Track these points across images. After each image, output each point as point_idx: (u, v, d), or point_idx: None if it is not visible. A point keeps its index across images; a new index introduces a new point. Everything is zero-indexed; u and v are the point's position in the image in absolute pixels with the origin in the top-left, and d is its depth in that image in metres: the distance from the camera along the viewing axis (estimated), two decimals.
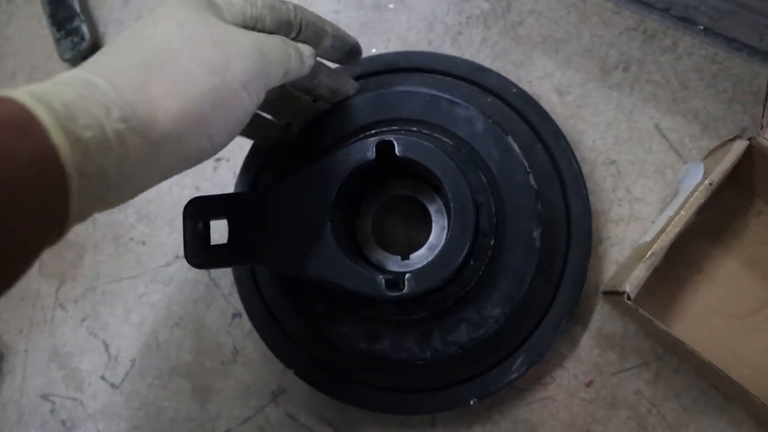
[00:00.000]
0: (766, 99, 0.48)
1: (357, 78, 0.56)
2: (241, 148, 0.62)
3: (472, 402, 0.54)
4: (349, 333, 0.52)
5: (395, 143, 0.45)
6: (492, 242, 0.52)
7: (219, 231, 0.48)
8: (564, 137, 0.55)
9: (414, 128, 0.51)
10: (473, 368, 0.55)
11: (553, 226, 0.54)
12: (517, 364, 0.54)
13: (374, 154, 0.45)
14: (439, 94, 0.52)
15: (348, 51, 0.49)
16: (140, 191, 0.37)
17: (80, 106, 0.32)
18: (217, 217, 0.47)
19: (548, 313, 0.55)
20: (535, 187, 0.52)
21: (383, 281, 0.46)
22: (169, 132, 0.35)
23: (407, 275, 0.46)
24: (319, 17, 0.46)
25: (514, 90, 0.56)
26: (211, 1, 0.40)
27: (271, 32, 0.42)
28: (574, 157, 0.55)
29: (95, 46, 0.65)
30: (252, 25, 0.42)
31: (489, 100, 0.55)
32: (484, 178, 0.51)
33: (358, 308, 0.52)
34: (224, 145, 0.40)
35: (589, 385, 0.56)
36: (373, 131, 0.51)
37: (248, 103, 0.39)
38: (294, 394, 0.58)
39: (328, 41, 0.47)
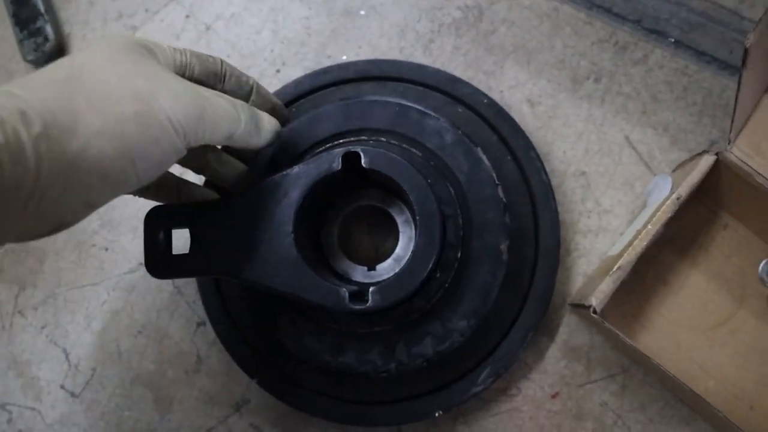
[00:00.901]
0: (733, 114, 0.49)
1: (328, 86, 0.55)
2: None
3: (437, 414, 0.54)
4: (313, 345, 0.51)
5: (362, 154, 0.45)
6: (459, 255, 0.51)
7: (184, 239, 0.47)
8: (534, 149, 0.55)
9: (383, 138, 0.51)
10: (438, 380, 0.55)
11: (521, 238, 0.54)
12: (483, 376, 0.54)
13: (340, 165, 0.45)
14: (409, 104, 0.51)
15: (270, 109, 0.48)
16: (60, 221, 0.36)
17: None
18: (179, 226, 0.46)
19: (515, 325, 0.55)
20: (504, 199, 0.51)
21: (347, 294, 0.45)
22: (90, 146, 0.35)
23: (371, 288, 0.45)
24: (244, 74, 0.47)
25: (485, 101, 0.55)
26: (145, 46, 0.41)
27: (199, 82, 0.43)
28: (544, 170, 0.55)
29: (60, 48, 0.64)
30: (182, 73, 0.42)
31: (460, 110, 0.54)
32: (452, 190, 0.51)
33: (322, 320, 0.51)
34: (151, 176, 0.39)
35: (555, 396, 0.56)
36: (341, 141, 0.51)
37: (177, 140, 0.38)
38: (258, 404, 0.57)
39: (252, 96, 0.47)
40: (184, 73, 0.43)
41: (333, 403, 0.54)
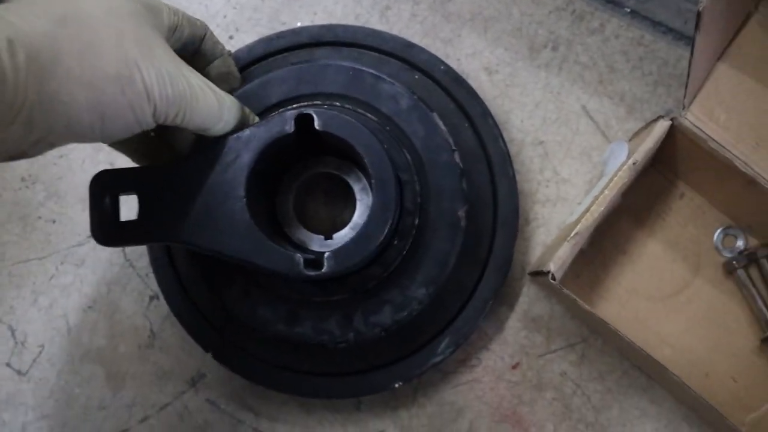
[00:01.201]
0: (687, 80, 0.49)
1: (281, 51, 0.54)
2: None
3: (396, 385, 0.53)
4: (268, 315, 0.50)
5: (315, 117, 0.44)
6: (416, 222, 0.50)
7: (135, 206, 0.46)
8: (491, 116, 0.55)
9: (337, 103, 0.50)
10: (397, 351, 0.54)
11: (479, 206, 0.53)
12: (443, 347, 0.54)
13: (293, 128, 0.43)
14: (364, 68, 0.50)
15: (225, 74, 0.49)
16: (19, 150, 0.37)
17: None
18: (127, 191, 0.44)
19: (474, 294, 0.54)
20: (461, 165, 0.51)
21: (302, 260, 0.44)
22: (64, 90, 0.35)
23: (326, 254, 0.44)
24: (220, 42, 0.49)
25: (442, 67, 0.54)
26: (147, 4, 0.41)
27: (185, 44, 0.45)
28: (502, 137, 0.55)
29: None
30: (172, 35, 0.44)
31: (416, 77, 0.53)
32: (408, 156, 0.50)
33: (277, 289, 0.50)
34: (113, 137, 0.39)
35: (515, 367, 0.56)
36: (294, 105, 0.49)
37: (148, 114, 0.39)
38: (214, 379, 0.56)
39: (218, 63, 0.49)
40: (174, 34, 0.44)
41: (290, 376, 0.53)
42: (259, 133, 0.44)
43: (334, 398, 0.55)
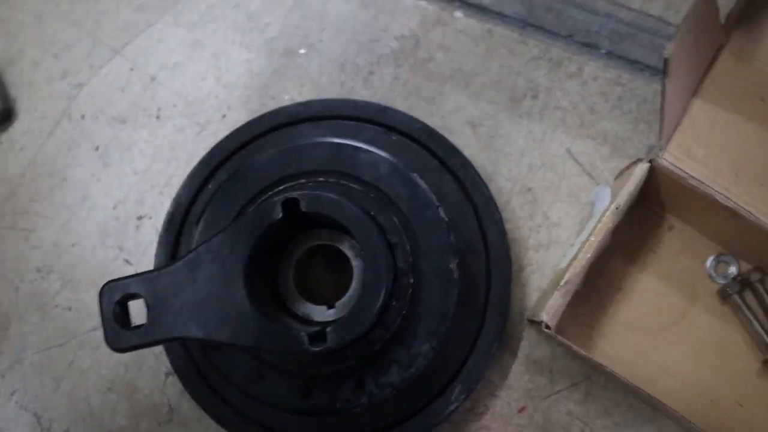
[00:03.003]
0: (661, 122, 0.50)
1: (264, 134, 0.57)
2: (162, 204, 0.62)
3: None
4: (282, 392, 0.52)
5: (299, 200, 0.46)
6: (411, 280, 0.52)
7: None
8: (472, 166, 0.56)
9: (321, 179, 0.52)
10: (412, 406, 0.55)
11: (470, 254, 0.55)
12: (455, 394, 0.55)
13: (281, 214, 0.46)
14: (342, 141, 0.53)
15: None
16: None
17: None
18: (133, 298, 0.47)
19: (478, 339, 0.55)
20: (446, 219, 0.52)
21: (306, 337, 0.46)
22: None
23: (329, 329, 0.46)
24: None
25: (417, 125, 0.57)
26: None
27: None
28: (484, 184, 0.56)
29: (8, 113, 0.65)
30: None
31: (394, 138, 0.56)
32: (395, 219, 0.52)
33: (288, 365, 0.52)
34: None
35: (522, 410, 0.58)
36: (281, 188, 0.52)
37: None
38: None
39: None
40: None
41: None
42: (250, 224, 0.46)
43: None
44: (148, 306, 0.46)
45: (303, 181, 0.52)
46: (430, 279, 0.53)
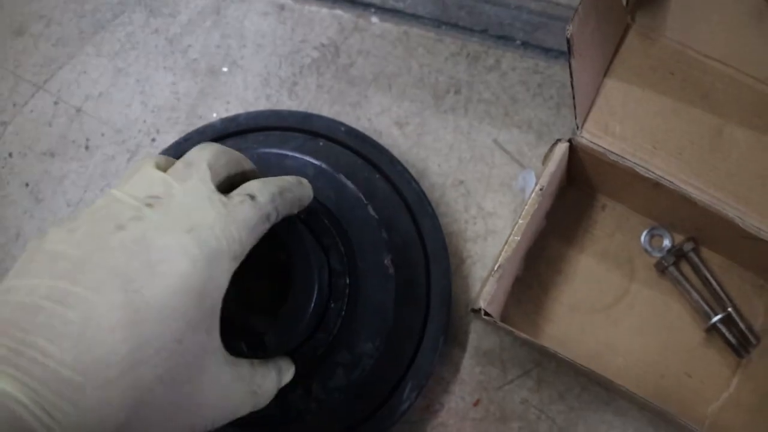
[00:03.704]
0: (573, 100, 0.51)
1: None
2: None
3: None
4: None
5: None
6: (347, 280, 0.52)
7: None
8: (399, 162, 0.57)
9: None
10: (364, 408, 0.55)
11: (407, 249, 0.55)
12: (407, 393, 0.54)
13: None
14: (268, 150, 0.53)
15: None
16: None
17: None
18: None
19: (424, 334, 0.55)
20: (376, 216, 0.52)
21: (244, 346, 0.45)
22: None
23: (266, 335, 0.46)
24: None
25: (342, 128, 0.57)
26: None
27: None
28: (413, 179, 0.57)
29: None
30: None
31: (321, 143, 0.56)
32: (326, 221, 0.52)
33: None
34: None
35: (476, 404, 0.57)
36: None
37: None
38: None
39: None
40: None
41: None
42: None
43: None
44: None
45: None
46: (367, 278, 0.52)
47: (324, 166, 0.52)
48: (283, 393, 0.51)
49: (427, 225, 0.56)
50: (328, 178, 0.53)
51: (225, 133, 0.57)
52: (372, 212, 0.53)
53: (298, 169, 0.52)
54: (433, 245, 0.56)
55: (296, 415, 0.51)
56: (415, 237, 0.56)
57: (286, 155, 0.53)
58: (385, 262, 0.53)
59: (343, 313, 0.52)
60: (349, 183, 0.53)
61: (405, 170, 0.57)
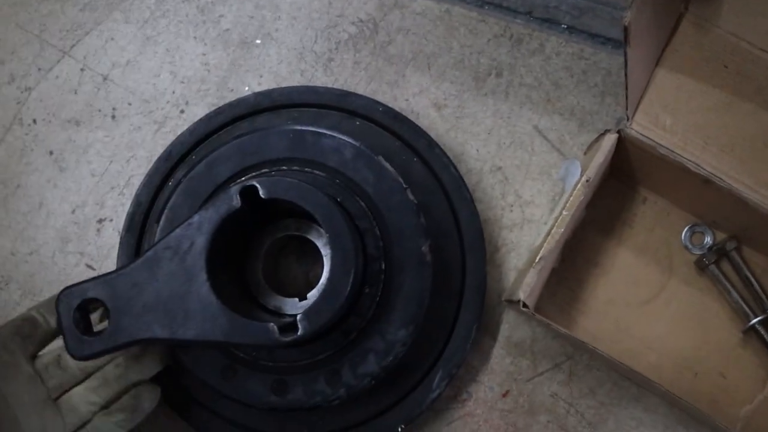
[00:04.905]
0: (626, 91, 0.49)
1: (223, 126, 0.55)
2: (122, 205, 0.60)
3: (400, 429, 0.53)
4: (257, 389, 0.50)
5: (258, 186, 0.44)
6: (383, 266, 0.51)
7: None
8: (438, 146, 0.55)
9: (284, 167, 0.50)
10: (394, 395, 0.54)
11: (443, 236, 0.54)
12: (437, 381, 0.54)
13: (239, 202, 0.44)
14: (303, 128, 0.51)
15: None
16: None
17: None
18: (93, 302, 0.45)
19: (457, 322, 0.54)
20: (415, 201, 0.51)
21: (276, 328, 0.44)
22: None
23: (299, 316, 0.45)
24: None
25: (380, 109, 0.55)
26: None
27: None
28: (452, 164, 0.55)
29: None
30: None
31: (357, 123, 0.54)
32: (363, 204, 0.50)
33: (262, 360, 0.50)
34: None
35: (505, 395, 0.56)
36: (242, 179, 0.50)
37: None
38: None
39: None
40: None
41: None
42: (209, 215, 0.44)
43: None
44: (109, 309, 0.44)
45: (266, 170, 0.50)
46: (403, 264, 0.51)
47: (363, 147, 0.51)
48: (311, 378, 0.51)
49: (464, 212, 0.55)
50: (366, 160, 0.51)
51: (258, 108, 0.56)
52: (411, 197, 0.51)
53: (335, 149, 0.51)
54: (470, 233, 0.55)
55: (324, 400, 0.51)
56: (451, 223, 0.55)
57: (323, 134, 0.51)
58: (423, 248, 0.51)
59: (378, 298, 0.51)
60: (388, 166, 0.51)
61: (443, 154, 0.55)
